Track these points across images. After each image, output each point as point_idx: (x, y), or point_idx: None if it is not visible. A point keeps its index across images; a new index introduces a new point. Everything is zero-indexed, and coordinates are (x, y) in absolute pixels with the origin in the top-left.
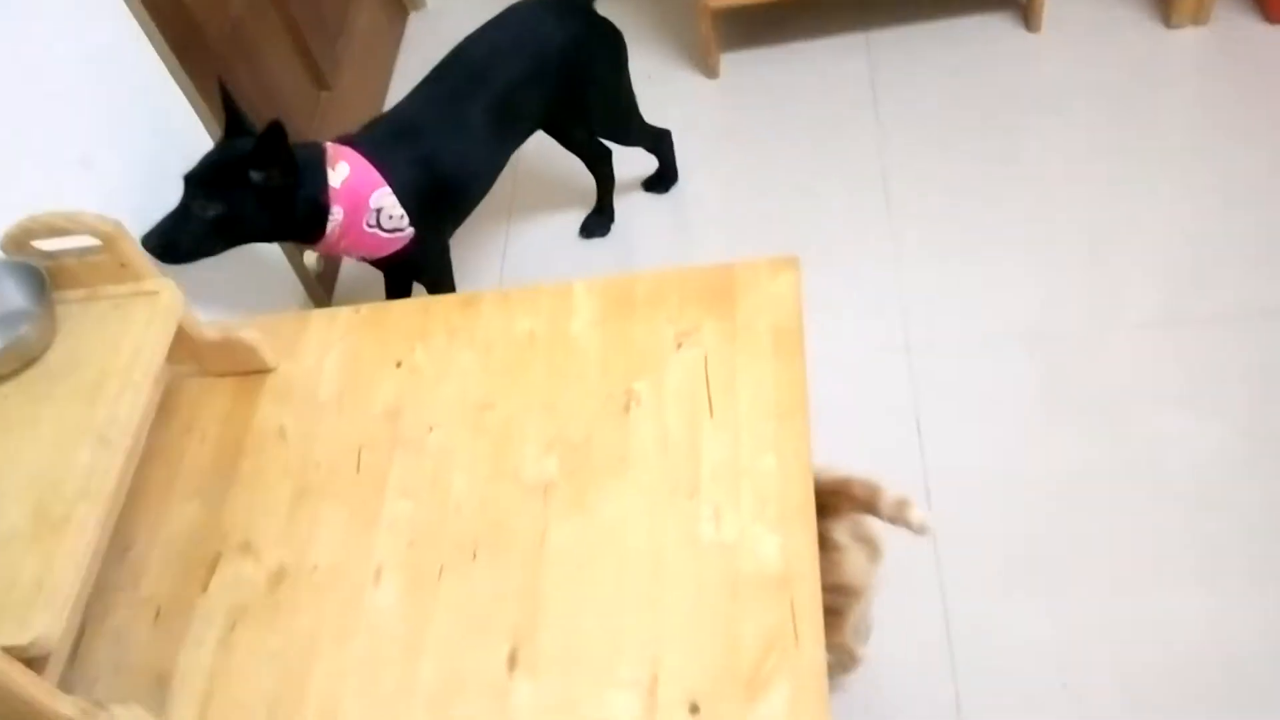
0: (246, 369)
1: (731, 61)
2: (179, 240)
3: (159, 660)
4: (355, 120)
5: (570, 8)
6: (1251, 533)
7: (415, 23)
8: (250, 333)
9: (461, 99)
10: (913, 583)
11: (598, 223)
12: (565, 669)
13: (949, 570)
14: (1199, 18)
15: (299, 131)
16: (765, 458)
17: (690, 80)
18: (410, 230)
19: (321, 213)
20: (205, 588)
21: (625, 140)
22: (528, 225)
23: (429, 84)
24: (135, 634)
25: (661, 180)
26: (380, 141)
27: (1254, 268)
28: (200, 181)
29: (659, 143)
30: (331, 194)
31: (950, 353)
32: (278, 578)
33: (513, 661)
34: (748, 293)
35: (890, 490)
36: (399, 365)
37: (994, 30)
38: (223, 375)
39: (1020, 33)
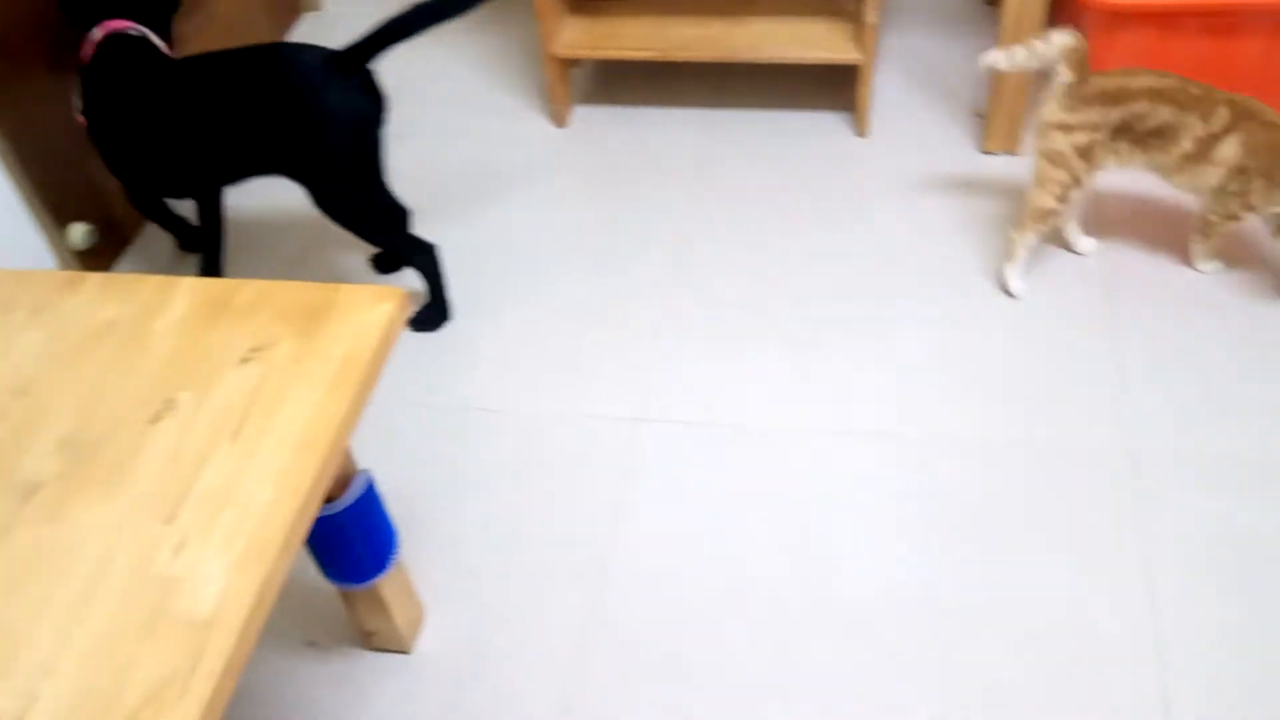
0: None
1: (583, 114)
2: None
3: None
4: None
5: (343, 74)
6: None
7: (309, 23)
8: None
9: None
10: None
11: (429, 316)
12: None
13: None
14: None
15: None
16: (263, 490)
17: (539, 125)
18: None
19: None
20: None
21: (355, 225)
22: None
23: (191, 60)
24: None
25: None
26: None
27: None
28: None
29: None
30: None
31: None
32: None
33: None
34: (341, 317)
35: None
36: None
37: (824, 127)
38: None
39: (848, 134)
